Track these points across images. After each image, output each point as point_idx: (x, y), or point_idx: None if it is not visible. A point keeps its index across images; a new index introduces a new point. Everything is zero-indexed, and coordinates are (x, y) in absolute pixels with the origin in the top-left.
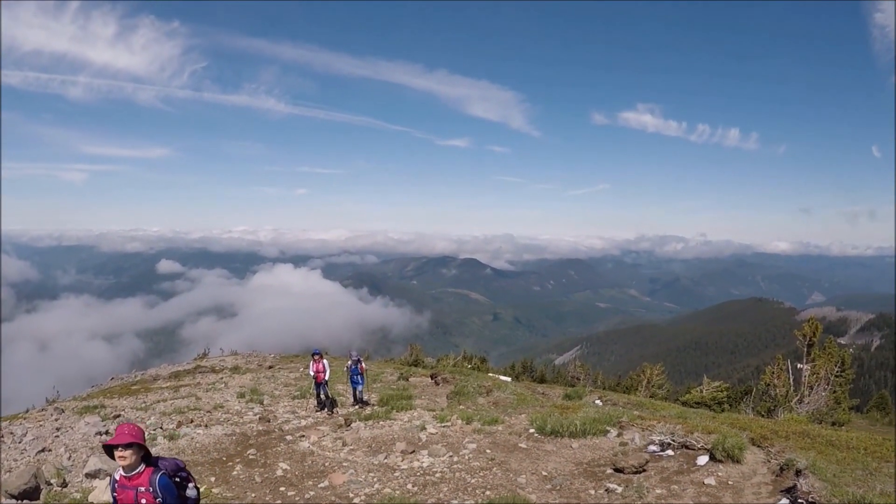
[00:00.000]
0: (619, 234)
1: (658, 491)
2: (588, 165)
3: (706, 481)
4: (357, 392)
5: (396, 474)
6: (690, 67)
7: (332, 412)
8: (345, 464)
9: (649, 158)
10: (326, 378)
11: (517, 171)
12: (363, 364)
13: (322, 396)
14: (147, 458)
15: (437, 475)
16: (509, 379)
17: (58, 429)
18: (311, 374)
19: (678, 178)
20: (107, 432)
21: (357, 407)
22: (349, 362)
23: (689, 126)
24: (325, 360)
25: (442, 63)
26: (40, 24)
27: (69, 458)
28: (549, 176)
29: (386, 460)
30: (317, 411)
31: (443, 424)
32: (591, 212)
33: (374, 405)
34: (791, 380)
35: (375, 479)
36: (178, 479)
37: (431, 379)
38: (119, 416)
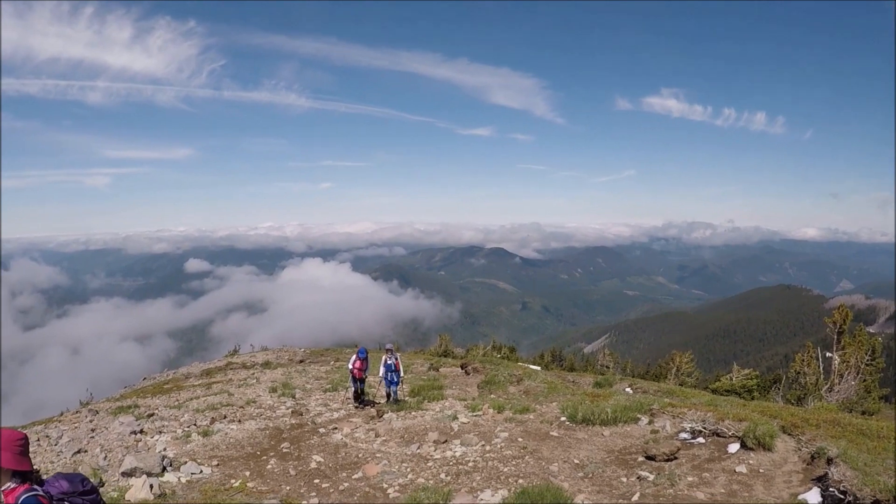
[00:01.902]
0: (646, 220)
1: (690, 479)
2: (613, 152)
3: (737, 469)
4: (392, 392)
5: (429, 464)
6: (714, 51)
7: (370, 407)
8: (378, 455)
9: (675, 144)
10: (391, 377)
11: (541, 158)
12: (398, 359)
13: (361, 395)
14: (26, 476)
15: (470, 464)
16: (539, 368)
17: (93, 430)
18: (352, 368)
19: (705, 164)
20: (141, 431)
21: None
22: (384, 356)
23: (715, 110)
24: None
25: (462, 52)
26: (56, 32)
27: (105, 458)
28: (573, 163)
29: (419, 450)
30: (355, 407)
31: (474, 414)
32: (617, 199)
33: (404, 398)
34: (821, 368)
35: (409, 469)
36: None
37: (462, 369)
38: (153, 414)
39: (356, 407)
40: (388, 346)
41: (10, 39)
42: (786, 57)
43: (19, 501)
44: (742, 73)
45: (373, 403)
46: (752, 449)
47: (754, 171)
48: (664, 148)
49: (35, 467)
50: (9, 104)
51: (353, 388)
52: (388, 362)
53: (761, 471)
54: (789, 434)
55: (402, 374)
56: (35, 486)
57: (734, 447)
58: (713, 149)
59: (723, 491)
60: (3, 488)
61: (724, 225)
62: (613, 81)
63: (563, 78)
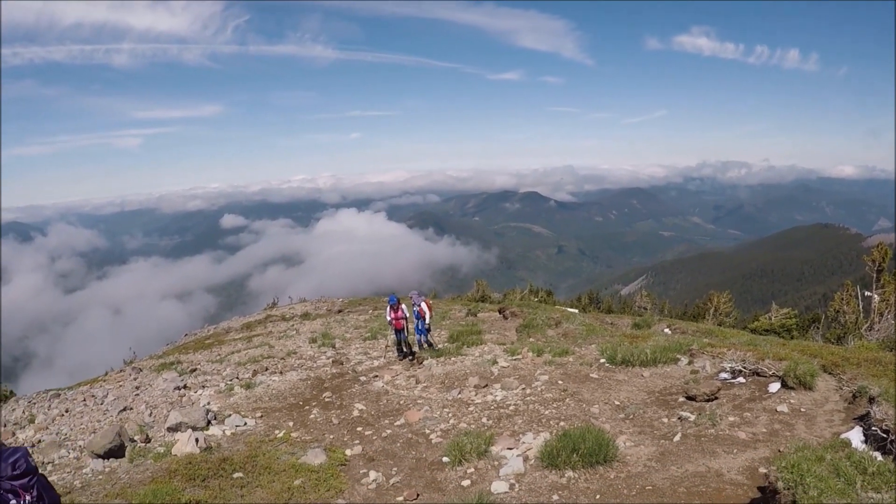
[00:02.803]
0: (680, 160)
1: (731, 418)
2: (644, 92)
3: (779, 408)
4: (420, 340)
5: (471, 409)
6: None
7: (413, 359)
8: (419, 401)
9: (707, 83)
10: (426, 322)
11: (572, 101)
12: (423, 306)
13: (403, 347)
14: None
15: (511, 408)
16: (576, 311)
17: (137, 387)
18: (389, 320)
19: (738, 103)
20: (185, 386)
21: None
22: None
23: (747, 48)
24: (404, 306)
25: None
26: None
27: (150, 415)
28: (605, 104)
29: (459, 395)
30: (399, 360)
31: (514, 358)
32: (649, 139)
33: (436, 345)
34: (860, 307)
35: (450, 415)
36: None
37: (500, 314)
38: (195, 370)
39: (398, 359)
40: (410, 294)
41: (33, 8)
42: None
43: None
44: (773, 8)
45: (413, 354)
46: (792, 388)
47: (789, 109)
48: (696, 87)
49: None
50: (36, 72)
51: (394, 339)
52: (414, 310)
53: (802, 410)
54: (830, 373)
55: (427, 321)
56: None
57: (775, 386)
58: (746, 87)
59: (764, 430)
60: None
61: (760, 164)
62: (642, 21)
63: (591, 18)
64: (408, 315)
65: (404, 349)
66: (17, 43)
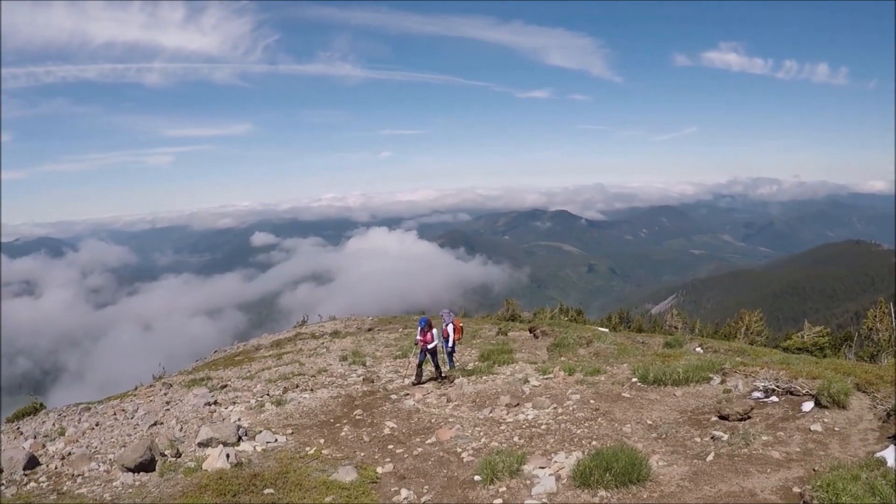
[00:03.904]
0: (710, 177)
1: (764, 438)
2: (673, 109)
3: (812, 427)
4: (444, 357)
5: (502, 427)
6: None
7: (442, 380)
8: (451, 419)
9: (736, 99)
10: (430, 347)
11: (601, 118)
12: (449, 328)
13: (430, 366)
14: None
15: (543, 427)
16: (607, 330)
17: (168, 402)
18: (417, 341)
19: (767, 118)
20: (215, 402)
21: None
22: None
23: (776, 63)
24: (435, 330)
25: (516, 13)
26: (109, 17)
27: (181, 430)
28: (634, 122)
29: (491, 414)
30: (414, 384)
31: (545, 377)
32: (679, 156)
33: (450, 366)
34: (894, 324)
35: (482, 433)
36: None
37: (530, 332)
38: (225, 386)
39: (413, 383)
40: (441, 312)
41: (65, 27)
42: (844, 3)
43: None
44: (801, 22)
45: (441, 376)
46: (826, 407)
47: (819, 123)
48: (725, 104)
49: None
50: (68, 90)
51: (417, 360)
52: (442, 328)
53: (836, 429)
54: (864, 391)
55: (450, 343)
56: None
57: (808, 405)
58: (776, 103)
59: (798, 450)
60: None
61: (790, 180)
62: (670, 37)
63: (619, 35)
64: (436, 341)
65: (427, 372)
66: (49, 61)
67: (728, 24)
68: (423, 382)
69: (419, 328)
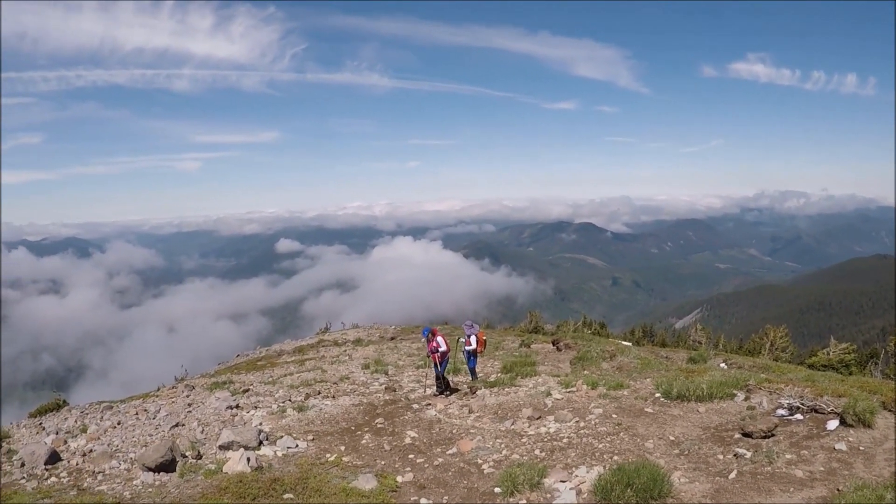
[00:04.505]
0: (737, 191)
1: (788, 456)
2: (701, 121)
3: (836, 446)
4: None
5: (524, 440)
6: (799, 10)
7: (448, 392)
8: (472, 431)
9: (763, 110)
10: (442, 350)
11: (628, 130)
12: (471, 339)
13: (441, 377)
14: None
15: (565, 440)
16: (630, 344)
17: (190, 404)
18: (427, 353)
19: (795, 130)
20: (237, 406)
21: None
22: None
23: (803, 74)
24: (439, 338)
25: (543, 24)
26: (140, 23)
27: (202, 432)
28: (661, 134)
29: (513, 426)
30: (435, 394)
31: (568, 390)
32: (706, 169)
33: (496, 374)
34: None
35: (503, 446)
36: None
37: (553, 345)
38: (248, 390)
39: (434, 394)
40: (463, 324)
41: (96, 32)
42: (872, 13)
43: None
44: (829, 32)
45: (449, 389)
46: (851, 426)
47: (847, 135)
48: (753, 115)
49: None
50: (98, 94)
51: (435, 375)
52: (465, 339)
53: (861, 448)
54: (890, 410)
55: (471, 354)
56: None
57: (833, 424)
58: (804, 114)
59: (822, 469)
60: None
61: (818, 193)
62: (697, 48)
63: (646, 46)
64: (443, 348)
65: (442, 385)
66: (80, 66)
67: (755, 34)
68: (448, 392)
69: (424, 339)
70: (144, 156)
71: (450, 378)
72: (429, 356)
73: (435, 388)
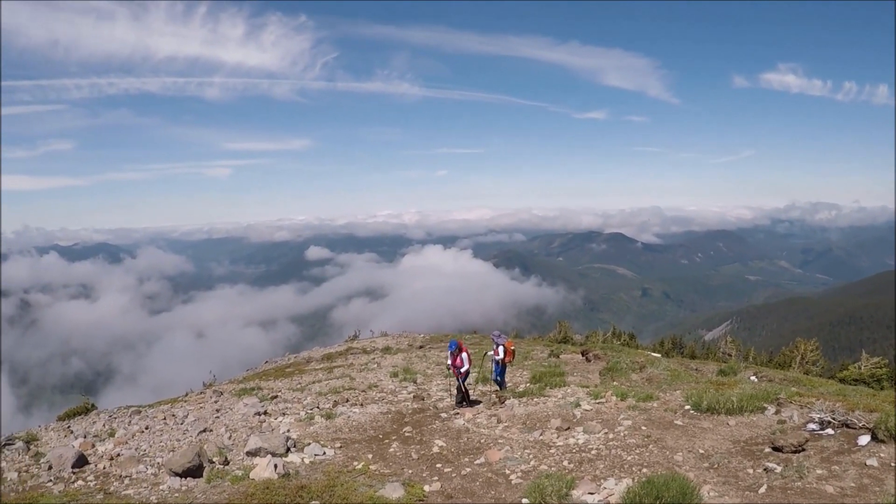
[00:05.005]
0: (768, 202)
1: (818, 471)
2: (731, 131)
3: (868, 462)
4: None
5: (552, 451)
6: (830, 20)
7: (469, 405)
8: (500, 441)
9: (795, 121)
10: (462, 370)
11: (658, 140)
12: (499, 350)
13: (462, 389)
14: None
15: (593, 452)
16: (659, 355)
17: (217, 410)
18: (448, 365)
19: (827, 141)
20: (265, 412)
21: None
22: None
23: (835, 84)
24: (465, 354)
25: (573, 34)
26: (172, 32)
27: (230, 438)
28: (691, 144)
29: (541, 437)
30: (456, 405)
31: (597, 401)
32: (737, 180)
33: (526, 384)
34: None
35: (531, 456)
36: None
37: (582, 356)
38: (276, 396)
39: (455, 405)
40: (491, 334)
41: (128, 41)
42: None
43: None
44: (860, 43)
45: (467, 401)
46: (883, 441)
47: (879, 147)
48: (784, 126)
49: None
50: (130, 102)
51: (457, 385)
52: (492, 349)
53: (893, 465)
54: None
55: (499, 366)
56: None
57: (864, 439)
58: (835, 125)
59: (853, 485)
60: None
61: (850, 205)
62: (728, 58)
63: (676, 56)
64: (465, 367)
65: (463, 398)
66: (112, 74)
67: (786, 44)
68: (472, 404)
69: (449, 352)
70: (175, 163)
71: (478, 387)
72: (448, 368)
73: (456, 399)
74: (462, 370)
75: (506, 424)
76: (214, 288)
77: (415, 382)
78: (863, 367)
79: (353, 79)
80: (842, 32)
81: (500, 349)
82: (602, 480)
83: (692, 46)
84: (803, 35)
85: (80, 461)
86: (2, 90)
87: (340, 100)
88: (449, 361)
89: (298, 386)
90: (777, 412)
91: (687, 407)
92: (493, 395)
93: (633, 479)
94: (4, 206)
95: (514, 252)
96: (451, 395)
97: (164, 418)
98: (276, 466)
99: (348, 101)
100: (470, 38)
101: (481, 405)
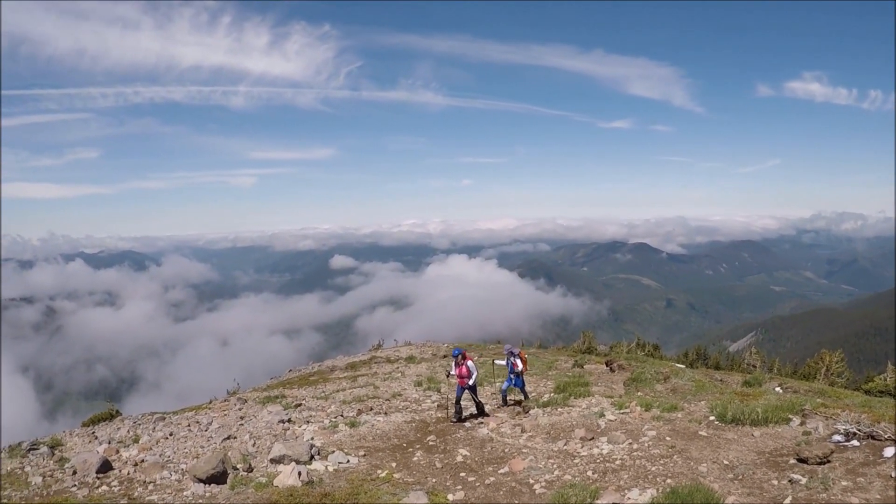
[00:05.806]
0: (793, 212)
1: (843, 483)
2: (756, 140)
3: (893, 474)
4: (504, 394)
5: (576, 461)
6: (854, 28)
7: (483, 417)
8: (524, 450)
9: (820, 130)
10: (471, 382)
11: (683, 150)
12: (518, 360)
13: (473, 401)
14: None
15: (617, 462)
16: (683, 366)
17: (242, 417)
18: (453, 374)
19: (853, 150)
20: (289, 420)
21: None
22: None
23: (860, 93)
24: (469, 363)
25: (597, 43)
26: (196, 41)
27: (254, 445)
28: (716, 153)
29: (565, 447)
30: (452, 421)
31: (621, 411)
32: (762, 190)
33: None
34: None
35: (555, 466)
36: None
37: (607, 366)
38: (300, 405)
39: (453, 420)
40: (504, 347)
41: (153, 50)
42: None
43: None
44: (886, 51)
45: (470, 417)
46: None
47: None
48: (809, 135)
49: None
50: (155, 111)
51: (456, 399)
52: (508, 363)
53: None
54: None
55: (520, 378)
56: None
57: (890, 451)
58: (861, 134)
59: (878, 497)
60: None
61: (876, 215)
62: (753, 67)
63: (701, 65)
64: (473, 379)
65: (462, 411)
66: (138, 82)
67: (811, 53)
68: (464, 420)
69: (453, 360)
70: (200, 171)
71: (497, 400)
72: (449, 375)
73: (454, 417)
74: (470, 382)
75: (530, 434)
76: (239, 296)
77: (439, 392)
78: (888, 379)
79: (377, 88)
80: (867, 40)
81: (519, 361)
82: (626, 491)
83: (716, 55)
84: (827, 43)
85: (105, 466)
86: (28, 99)
87: (364, 109)
88: (453, 371)
89: (322, 394)
90: (802, 423)
91: (711, 418)
92: (518, 406)
93: (658, 489)
94: (31, 214)
95: (539, 262)
96: (464, 406)
97: (189, 425)
98: (300, 474)
99: (372, 110)
100: (493, 47)
101: (505, 415)
